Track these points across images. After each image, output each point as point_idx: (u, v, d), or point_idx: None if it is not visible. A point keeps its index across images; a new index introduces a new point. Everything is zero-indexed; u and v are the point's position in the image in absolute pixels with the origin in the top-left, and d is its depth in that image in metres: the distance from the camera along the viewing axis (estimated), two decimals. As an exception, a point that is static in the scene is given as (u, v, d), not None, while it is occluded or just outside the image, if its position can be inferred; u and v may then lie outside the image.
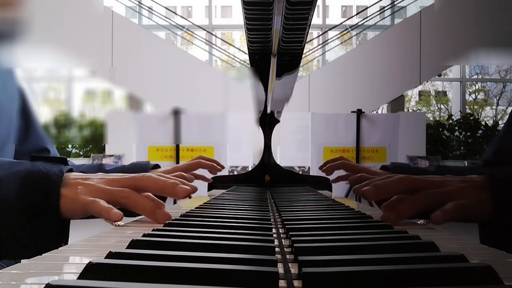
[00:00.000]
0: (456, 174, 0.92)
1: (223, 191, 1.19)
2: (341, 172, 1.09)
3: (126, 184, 0.61)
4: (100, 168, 1.05)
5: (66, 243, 0.60)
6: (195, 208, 0.69)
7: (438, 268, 0.28)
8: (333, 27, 7.92)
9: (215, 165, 1.15)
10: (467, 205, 0.57)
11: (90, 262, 0.29)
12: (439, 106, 11.68)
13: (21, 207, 0.54)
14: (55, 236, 0.56)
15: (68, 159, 0.78)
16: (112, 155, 5.43)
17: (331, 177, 1.11)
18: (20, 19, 0.73)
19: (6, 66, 0.85)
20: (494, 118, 10.84)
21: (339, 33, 7.95)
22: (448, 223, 0.59)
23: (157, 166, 1.11)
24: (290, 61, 0.84)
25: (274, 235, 0.46)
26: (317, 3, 0.62)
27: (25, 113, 0.93)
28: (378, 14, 7.96)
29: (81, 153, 6.09)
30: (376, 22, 7.99)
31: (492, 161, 0.94)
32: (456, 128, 6.39)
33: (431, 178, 0.63)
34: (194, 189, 0.67)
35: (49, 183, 0.56)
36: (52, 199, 0.55)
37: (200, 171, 1.13)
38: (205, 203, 0.77)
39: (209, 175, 1.19)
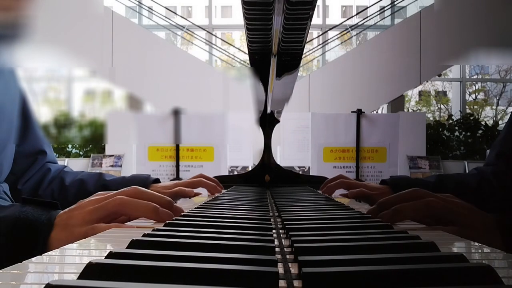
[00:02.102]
0: (458, 184, 0.91)
1: (223, 191, 1.19)
2: (342, 190, 1.10)
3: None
4: (100, 178, 1.04)
5: None
6: (195, 208, 0.69)
7: (438, 268, 0.28)
8: (333, 27, 7.92)
9: (216, 185, 1.14)
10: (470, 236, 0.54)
11: (90, 262, 0.29)
12: (439, 106, 11.68)
13: (6, 255, 0.53)
14: None
15: (66, 162, 0.78)
16: (112, 155, 5.42)
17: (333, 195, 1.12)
18: (22, 23, 0.73)
19: (8, 67, 0.85)
20: (494, 118, 10.84)
21: (339, 33, 7.94)
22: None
23: (157, 181, 1.10)
24: (290, 61, 0.84)
25: (274, 235, 0.46)
26: (317, 3, 0.62)
27: (25, 114, 0.93)
28: (378, 14, 7.96)
29: (81, 153, 6.08)
30: (376, 22, 7.99)
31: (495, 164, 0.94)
32: (456, 128, 6.39)
33: (439, 196, 0.59)
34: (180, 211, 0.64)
35: (36, 234, 0.54)
36: (38, 250, 0.53)
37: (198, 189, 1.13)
38: (205, 203, 0.77)
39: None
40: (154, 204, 0.58)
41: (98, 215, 0.57)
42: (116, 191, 0.61)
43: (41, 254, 0.52)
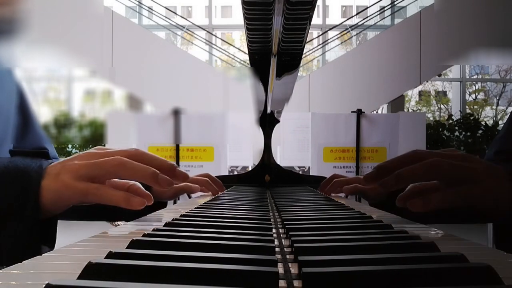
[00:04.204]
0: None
1: (224, 191, 1.19)
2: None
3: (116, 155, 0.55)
4: None
5: (51, 247, 0.55)
6: (195, 208, 0.69)
7: (438, 268, 0.28)
8: (333, 27, 7.92)
9: (218, 191, 1.14)
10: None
11: (90, 262, 0.29)
12: (439, 106, 11.69)
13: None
14: (33, 240, 0.50)
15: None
16: (112, 155, 5.42)
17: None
18: (17, 18, 0.73)
19: (4, 65, 0.85)
20: (494, 118, 10.84)
21: (339, 33, 7.95)
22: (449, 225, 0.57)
23: None
24: (290, 61, 0.84)
25: (274, 235, 0.46)
26: (317, 3, 0.62)
27: (23, 111, 0.93)
28: (378, 14, 7.97)
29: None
30: (376, 22, 8.00)
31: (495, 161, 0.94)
32: (456, 128, 6.39)
33: (442, 153, 0.54)
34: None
35: (26, 181, 0.51)
36: (30, 198, 0.50)
37: None
38: (205, 203, 0.77)
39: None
40: (154, 169, 0.54)
41: (93, 172, 0.53)
42: (116, 150, 0.58)
43: (34, 202, 0.49)
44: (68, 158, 0.56)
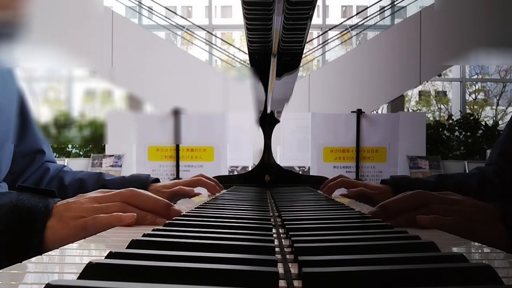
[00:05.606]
0: (459, 184, 0.90)
1: (223, 191, 1.19)
2: (343, 190, 1.11)
3: (115, 199, 0.59)
4: (99, 177, 1.04)
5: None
6: (195, 208, 0.69)
7: (438, 268, 0.28)
8: (333, 27, 7.92)
9: (215, 185, 1.14)
10: (471, 229, 0.51)
11: (90, 262, 0.29)
12: (439, 106, 11.68)
13: (4, 242, 0.52)
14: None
15: (66, 162, 0.76)
16: (112, 155, 5.42)
17: (333, 195, 1.12)
18: (20, 21, 0.73)
19: (6, 67, 0.85)
20: (494, 118, 10.83)
21: (339, 33, 7.94)
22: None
23: (157, 181, 1.11)
24: (290, 61, 0.85)
25: (274, 235, 0.46)
26: (317, 3, 0.62)
27: (23, 113, 0.93)
28: (378, 14, 7.96)
29: (81, 153, 6.08)
30: (376, 22, 7.99)
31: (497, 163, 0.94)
32: (456, 128, 6.38)
33: (441, 197, 0.57)
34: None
35: (33, 222, 0.53)
36: (35, 239, 0.52)
37: (198, 189, 1.13)
38: (205, 203, 0.77)
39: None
40: (168, 201, 0.60)
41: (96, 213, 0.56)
42: (115, 191, 0.61)
43: (38, 242, 0.51)
44: (72, 199, 0.59)
